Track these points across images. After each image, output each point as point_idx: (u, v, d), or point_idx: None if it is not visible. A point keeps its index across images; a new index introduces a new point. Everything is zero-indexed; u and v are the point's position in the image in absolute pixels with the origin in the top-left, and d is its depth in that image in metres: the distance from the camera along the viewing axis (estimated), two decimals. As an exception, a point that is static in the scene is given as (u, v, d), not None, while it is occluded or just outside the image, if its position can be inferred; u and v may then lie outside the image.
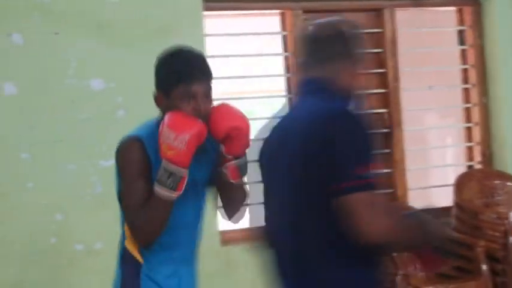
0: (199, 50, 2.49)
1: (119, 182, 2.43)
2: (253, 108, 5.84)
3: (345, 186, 1.98)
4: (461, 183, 4.68)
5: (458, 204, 4.58)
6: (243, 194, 2.55)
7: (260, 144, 2.37)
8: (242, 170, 2.46)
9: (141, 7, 4.13)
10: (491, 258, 4.32)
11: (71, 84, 3.98)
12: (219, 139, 2.39)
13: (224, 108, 2.42)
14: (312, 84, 2.21)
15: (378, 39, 4.72)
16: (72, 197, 3.95)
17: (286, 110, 2.37)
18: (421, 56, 5.05)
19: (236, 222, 2.64)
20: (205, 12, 4.28)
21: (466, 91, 5.01)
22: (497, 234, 4.38)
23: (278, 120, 2.37)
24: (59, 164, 3.94)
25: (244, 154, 2.45)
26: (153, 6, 4.14)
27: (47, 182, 3.91)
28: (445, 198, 4.68)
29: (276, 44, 4.71)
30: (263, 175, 2.34)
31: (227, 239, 4.27)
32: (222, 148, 2.41)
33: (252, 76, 5.02)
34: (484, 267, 4.25)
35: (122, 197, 2.43)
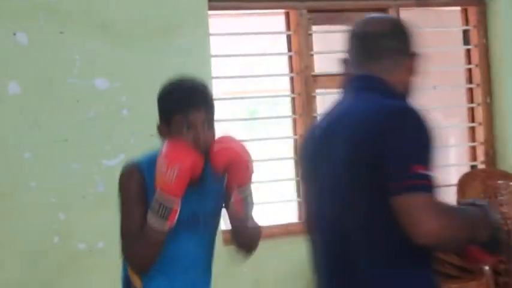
0: (200, 79, 2.42)
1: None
2: (256, 107, 5.85)
3: (403, 185, 1.90)
4: (464, 183, 4.67)
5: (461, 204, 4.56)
6: (252, 230, 2.50)
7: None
8: (247, 201, 2.40)
9: (146, 7, 4.13)
10: (493, 258, 4.32)
11: (76, 84, 3.98)
12: (219, 172, 2.34)
13: (225, 140, 2.36)
14: (366, 80, 2.14)
15: (382, 39, 4.71)
16: (75, 196, 3.96)
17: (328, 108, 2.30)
18: (425, 56, 5.03)
19: (245, 259, 2.62)
20: (210, 12, 4.28)
21: (470, 91, 5.00)
22: (500, 234, 4.38)
23: (320, 118, 2.28)
24: (62, 164, 3.95)
25: (248, 185, 2.39)
26: (158, 6, 4.14)
27: (50, 182, 3.92)
28: (448, 198, 4.66)
29: (280, 44, 4.71)
30: (305, 171, 2.26)
31: (230, 238, 4.25)
32: (226, 180, 2.38)
33: (256, 76, 5.02)
34: (486, 267, 4.25)
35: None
